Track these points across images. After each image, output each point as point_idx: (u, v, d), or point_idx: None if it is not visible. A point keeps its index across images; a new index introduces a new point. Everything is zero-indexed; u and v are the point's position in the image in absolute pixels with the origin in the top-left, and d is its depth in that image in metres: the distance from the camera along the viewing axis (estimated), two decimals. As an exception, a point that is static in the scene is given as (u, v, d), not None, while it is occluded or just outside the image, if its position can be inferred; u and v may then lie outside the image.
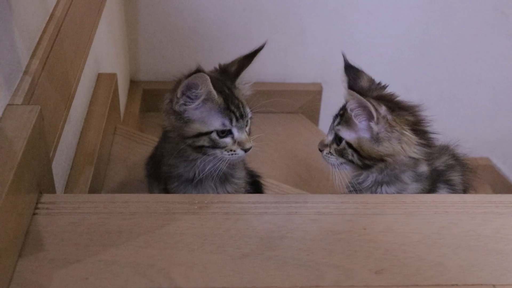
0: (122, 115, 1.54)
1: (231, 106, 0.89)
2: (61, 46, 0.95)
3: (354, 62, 1.87)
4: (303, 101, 1.86)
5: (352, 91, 0.90)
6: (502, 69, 1.86)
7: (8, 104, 0.77)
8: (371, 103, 0.87)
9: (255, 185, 1.12)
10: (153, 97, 1.78)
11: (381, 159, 0.90)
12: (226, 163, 0.91)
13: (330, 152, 0.95)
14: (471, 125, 1.93)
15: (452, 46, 1.83)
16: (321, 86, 1.86)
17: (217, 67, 0.97)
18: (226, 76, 0.94)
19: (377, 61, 1.84)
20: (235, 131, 0.90)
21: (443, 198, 0.84)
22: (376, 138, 0.89)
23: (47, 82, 0.87)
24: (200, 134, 0.89)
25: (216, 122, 0.89)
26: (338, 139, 0.94)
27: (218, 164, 0.91)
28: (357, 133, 0.91)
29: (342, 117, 0.93)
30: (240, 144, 0.90)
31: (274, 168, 1.57)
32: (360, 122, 0.90)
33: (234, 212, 0.79)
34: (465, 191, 1.00)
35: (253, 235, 0.75)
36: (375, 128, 0.88)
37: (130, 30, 1.74)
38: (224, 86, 0.91)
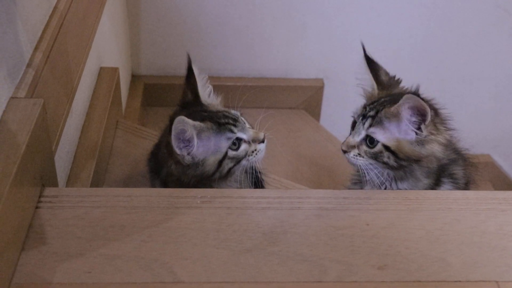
0: (123, 109, 1.54)
1: (221, 120, 0.90)
2: (64, 40, 0.94)
3: (355, 58, 1.87)
4: (305, 96, 1.86)
5: (412, 96, 0.85)
6: (504, 67, 1.86)
7: (12, 97, 0.77)
8: (429, 107, 0.85)
9: (256, 181, 1.12)
10: (154, 92, 1.78)
11: (419, 160, 0.89)
12: (258, 162, 0.92)
13: (359, 154, 0.92)
14: (473, 122, 1.93)
15: (454, 43, 1.83)
16: (323, 81, 1.86)
17: (178, 107, 0.97)
18: (191, 106, 0.94)
19: (379, 58, 1.84)
20: (241, 135, 0.91)
21: (446, 194, 0.83)
22: (421, 141, 0.87)
23: (50, 75, 0.87)
24: (221, 162, 0.90)
25: (222, 142, 0.90)
26: (369, 141, 0.91)
27: (251, 169, 0.92)
28: (396, 135, 0.89)
29: (374, 118, 0.90)
30: (254, 140, 0.91)
31: (275, 163, 1.57)
32: (407, 125, 0.87)
33: (237, 207, 0.79)
34: (467, 184, 1.00)
35: (256, 230, 0.75)
36: (425, 131, 0.87)
37: (132, 24, 1.74)
38: (200, 113, 0.91)
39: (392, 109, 0.88)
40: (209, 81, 0.98)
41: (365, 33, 1.80)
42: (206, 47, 1.78)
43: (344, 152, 0.93)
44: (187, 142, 0.87)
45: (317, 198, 0.81)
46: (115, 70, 1.32)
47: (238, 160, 0.91)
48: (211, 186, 0.92)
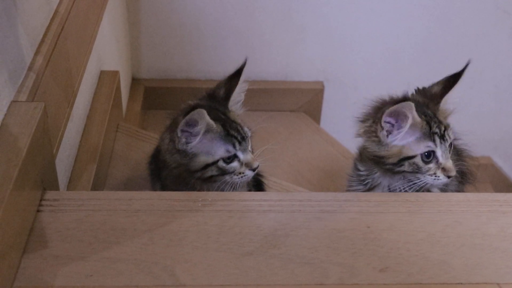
0: (123, 112, 1.54)
1: (231, 131, 0.90)
2: (65, 43, 0.94)
3: (356, 58, 1.87)
4: (305, 99, 1.86)
5: None
6: (504, 68, 1.86)
7: (13, 101, 0.77)
8: None
9: (257, 184, 1.12)
10: (154, 95, 1.78)
11: None
12: (238, 186, 0.92)
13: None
14: (473, 123, 1.92)
15: (454, 44, 1.83)
16: (323, 84, 1.86)
17: (205, 94, 0.97)
18: (216, 101, 0.94)
19: (379, 59, 1.84)
20: (240, 154, 0.91)
21: (447, 196, 0.84)
22: None
23: (50, 79, 0.87)
24: (207, 165, 0.90)
25: (220, 151, 0.90)
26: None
27: (227, 188, 0.91)
28: None
29: (445, 126, 0.95)
30: (247, 165, 0.91)
31: (275, 166, 1.56)
32: None
33: (238, 210, 0.79)
34: (461, 176, 1.02)
35: (257, 233, 0.75)
36: None
37: (133, 27, 1.74)
38: (219, 112, 0.92)
39: (445, 108, 0.96)
40: (244, 93, 0.97)
41: (365, 35, 1.81)
42: (206, 50, 1.78)
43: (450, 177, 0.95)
44: (192, 132, 0.88)
45: (318, 201, 0.81)
46: (115, 73, 1.32)
47: (223, 172, 0.91)
48: (192, 184, 0.93)
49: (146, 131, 1.37)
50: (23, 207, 0.71)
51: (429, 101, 0.96)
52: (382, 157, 0.93)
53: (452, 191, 1.03)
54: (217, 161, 0.90)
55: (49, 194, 0.79)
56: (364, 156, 0.98)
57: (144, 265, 0.69)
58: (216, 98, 0.95)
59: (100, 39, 1.23)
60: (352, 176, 1.03)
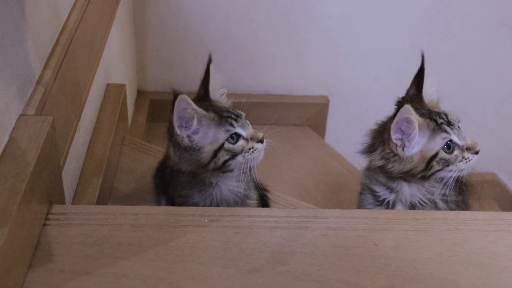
0: (129, 125, 1.54)
1: (224, 113, 0.92)
2: (73, 57, 0.95)
3: (361, 73, 1.86)
4: (310, 113, 1.86)
5: None
6: (509, 84, 1.86)
7: (21, 115, 0.77)
8: None
9: (261, 198, 1.12)
10: (160, 108, 1.78)
11: None
12: (253, 162, 0.93)
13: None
14: (477, 140, 1.92)
15: (458, 60, 1.83)
16: (328, 99, 1.86)
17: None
18: (201, 100, 0.97)
19: (384, 74, 1.85)
20: (241, 131, 0.92)
21: (454, 215, 0.83)
22: None
23: (59, 92, 0.87)
24: (216, 152, 0.91)
25: (221, 134, 0.91)
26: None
27: (245, 167, 0.92)
28: None
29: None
30: (253, 138, 0.92)
31: (280, 180, 1.56)
32: None
33: (245, 226, 0.78)
34: (461, 186, 1.02)
35: (264, 250, 0.75)
36: None
37: (139, 41, 1.75)
38: (206, 105, 0.94)
39: (430, 101, 0.99)
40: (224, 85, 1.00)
41: (370, 50, 1.81)
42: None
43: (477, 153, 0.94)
44: (188, 121, 0.89)
45: (325, 218, 0.80)
46: (121, 86, 1.32)
47: (234, 154, 0.91)
48: (209, 179, 0.94)
49: (151, 144, 1.37)
50: (29, 221, 0.71)
51: (414, 103, 0.97)
52: (410, 170, 0.93)
53: (452, 202, 1.03)
54: (223, 144, 0.91)
55: (56, 208, 0.79)
56: (389, 176, 0.98)
57: (150, 281, 0.69)
58: (200, 98, 0.97)
59: (107, 52, 1.23)
60: (365, 200, 1.02)
